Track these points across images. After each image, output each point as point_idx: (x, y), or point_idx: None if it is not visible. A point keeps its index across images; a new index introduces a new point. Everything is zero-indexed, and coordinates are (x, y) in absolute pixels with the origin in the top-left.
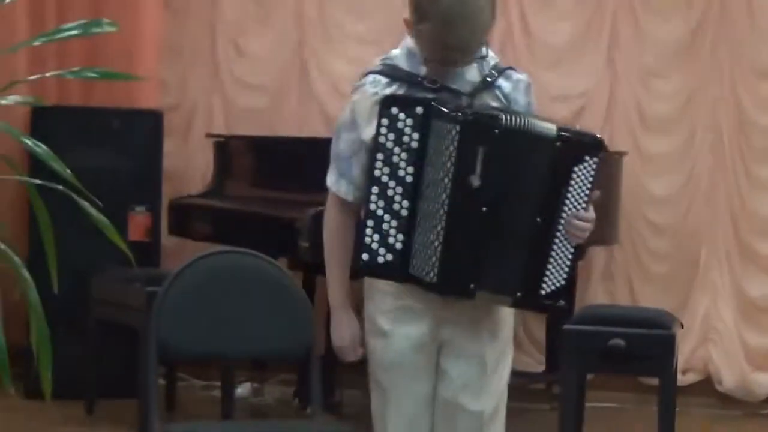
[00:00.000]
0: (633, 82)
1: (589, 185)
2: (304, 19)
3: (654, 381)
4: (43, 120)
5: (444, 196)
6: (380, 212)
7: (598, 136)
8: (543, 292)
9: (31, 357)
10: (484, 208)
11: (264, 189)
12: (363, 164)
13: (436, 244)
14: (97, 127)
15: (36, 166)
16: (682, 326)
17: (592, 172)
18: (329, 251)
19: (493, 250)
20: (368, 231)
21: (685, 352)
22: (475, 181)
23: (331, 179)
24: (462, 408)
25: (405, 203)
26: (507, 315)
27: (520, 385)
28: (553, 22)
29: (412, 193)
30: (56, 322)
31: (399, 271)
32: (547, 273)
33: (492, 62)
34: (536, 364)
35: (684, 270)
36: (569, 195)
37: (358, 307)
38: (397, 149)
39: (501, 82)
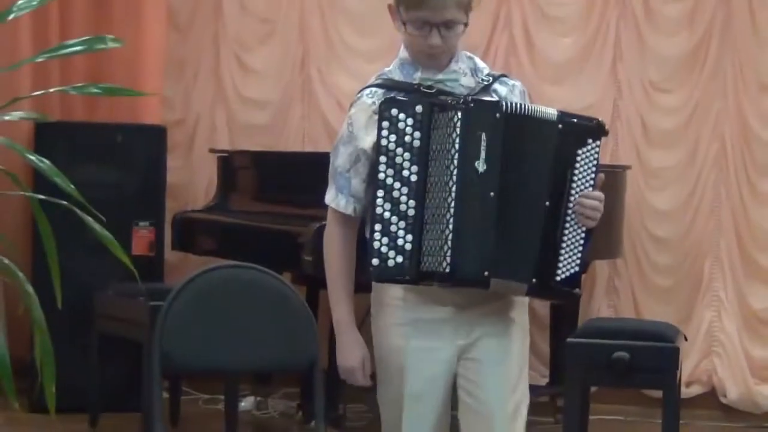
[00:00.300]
0: (636, 96)
1: (593, 168)
2: (307, 35)
3: (658, 393)
4: (47, 136)
5: (451, 183)
6: (387, 215)
7: (600, 119)
8: (558, 279)
9: (35, 371)
10: (491, 193)
11: (267, 203)
12: (363, 176)
13: (447, 232)
14: (100, 142)
15: (40, 181)
16: (686, 339)
17: (596, 155)
18: (332, 269)
19: (504, 235)
20: (376, 235)
21: (689, 364)
22: (481, 166)
23: (329, 196)
24: (481, 414)
25: (411, 203)
26: (523, 319)
27: None
28: (556, 36)
29: (418, 192)
30: (60, 337)
31: (411, 272)
32: (561, 258)
33: (486, 71)
34: (540, 377)
35: (688, 283)
36: (575, 178)
37: (359, 325)
38: (399, 150)
39: (497, 86)
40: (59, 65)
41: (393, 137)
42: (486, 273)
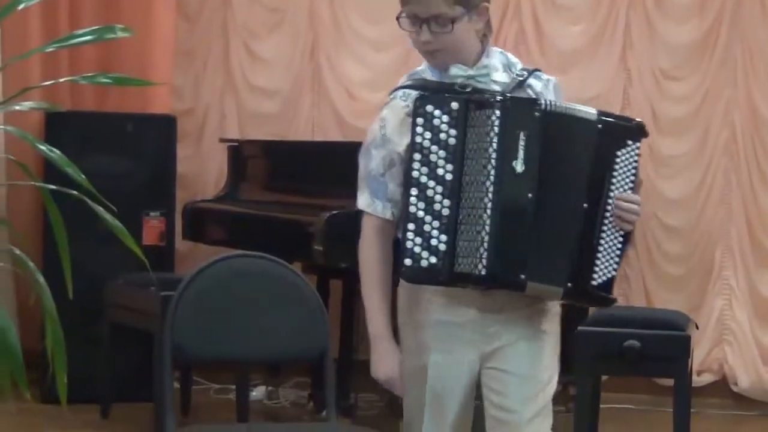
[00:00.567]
0: (646, 84)
1: (633, 170)
2: (317, 23)
3: (669, 382)
4: (57, 126)
5: (488, 183)
6: (421, 214)
7: (640, 120)
8: (594, 283)
9: (47, 362)
10: (529, 195)
11: (277, 193)
12: (398, 180)
13: (483, 234)
14: (110, 132)
15: (50, 171)
16: (697, 327)
17: (636, 158)
18: (369, 277)
19: (541, 237)
20: (410, 235)
21: (700, 353)
22: (519, 166)
23: (363, 201)
24: (508, 424)
25: (446, 202)
26: (555, 330)
27: None
28: (566, 25)
29: (453, 191)
30: (71, 327)
31: (444, 273)
32: (598, 262)
33: (519, 66)
34: None
35: (698, 271)
36: (614, 180)
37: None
38: (434, 148)
39: (531, 81)
40: (69, 55)
41: (428, 135)
42: (523, 276)
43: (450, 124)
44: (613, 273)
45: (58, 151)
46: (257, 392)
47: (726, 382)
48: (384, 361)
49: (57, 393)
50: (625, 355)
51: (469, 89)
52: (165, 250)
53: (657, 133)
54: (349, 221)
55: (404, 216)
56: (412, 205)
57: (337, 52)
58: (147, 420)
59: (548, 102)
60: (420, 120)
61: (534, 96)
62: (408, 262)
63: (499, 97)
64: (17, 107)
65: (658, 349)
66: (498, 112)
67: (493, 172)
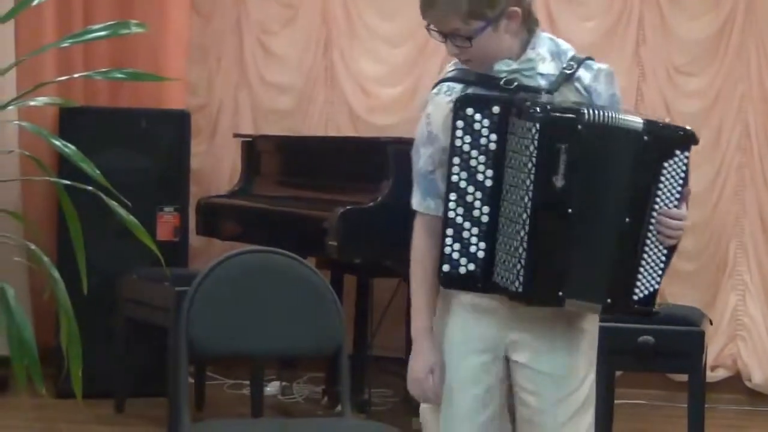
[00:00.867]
0: (660, 80)
1: (681, 182)
2: (330, 19)
3: (683, 378)
4: (71, 121)
5: (526, 198)
6: (460, 219)
7: (689, 128)
8: (636, 297)
9: (62, 357)
10: (569, 210)
11: (291, 188)
12: None
13: (521, 250)
14: (124, 127)
15: (65, 166)
16: (711, 323)
17: (684, 168)
18: (418, 277)
19: (581, 254)
20: (448, 240)
21: (714, 348)
22: (559, 181)
23: (416, 200)
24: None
25: (485, 209)
26: (594, 328)
27: None
28: (579, 20)
29: (493, 197)
30: (85, 322)
31: (482, 281)
32: (640, 277)
33: (570, 53)
34: None
35: (712, 266)
36: (659, 193)
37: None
38: (474, 152)
39: (580, 73)
40: (83, 51)
41: (468, 138)
42: (561, 293)
43: (491, 129)
44: (656, 286)
45: (72, 147)
46: (271, 387)
47: (740, 377)
48: (413, 361)
49: (72, 388)
50: (639, 351)
51: (514, 84)
52: (179, 245)
53: None
54: (362, 216)
55: (442, 221)
56: (451, 210)
57: (350, 48)
58: (161, 415)
59: (592, 113)
60: (460, 123)
61: (582, 89)
62: (446, 268)
63: (539, 110)
64: (32, 103)
65: (672, 345)
66: (538, 125)
67: (531, 187)
